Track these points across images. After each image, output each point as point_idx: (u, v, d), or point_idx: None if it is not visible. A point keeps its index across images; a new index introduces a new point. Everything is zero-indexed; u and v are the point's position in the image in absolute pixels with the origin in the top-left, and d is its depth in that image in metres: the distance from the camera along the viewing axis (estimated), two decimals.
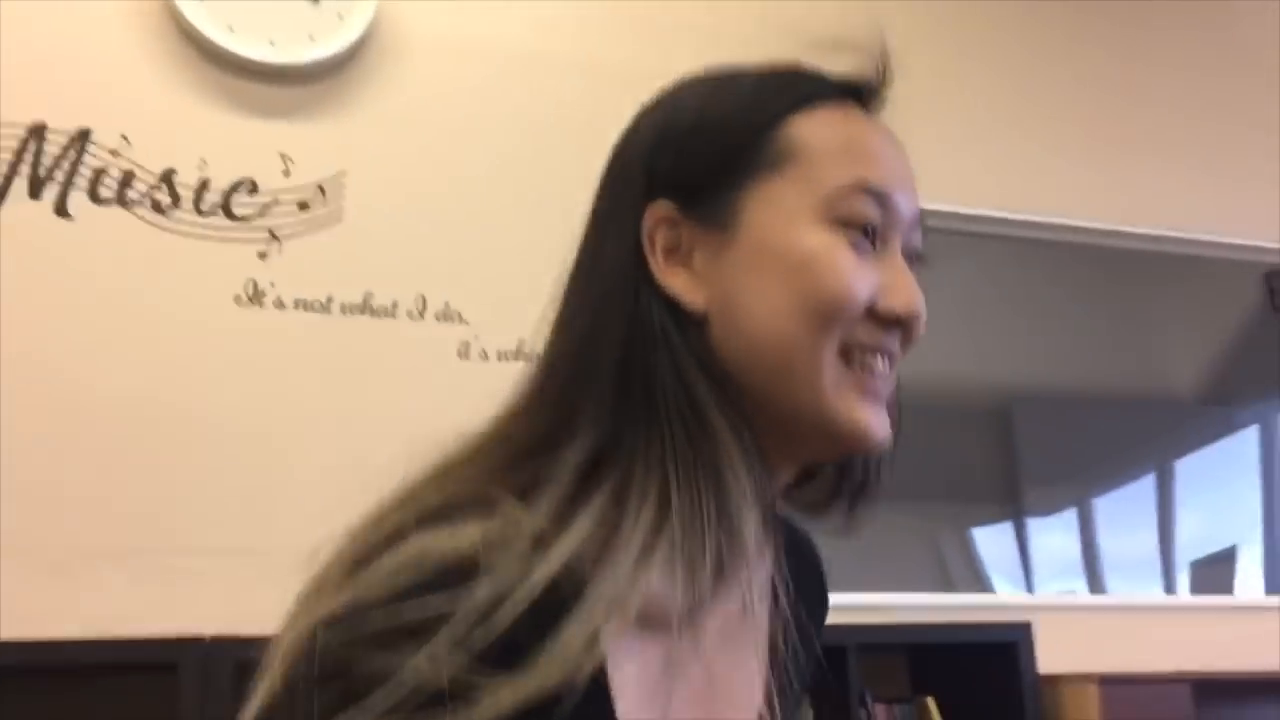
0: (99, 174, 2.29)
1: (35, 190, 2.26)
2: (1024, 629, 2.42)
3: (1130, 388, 3.18)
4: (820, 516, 0.78)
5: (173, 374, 2.25)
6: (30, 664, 1.89)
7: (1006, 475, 3.05)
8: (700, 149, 0.72)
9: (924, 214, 0.75)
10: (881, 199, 0.70)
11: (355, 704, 0.58)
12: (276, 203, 2.39)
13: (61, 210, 2.26)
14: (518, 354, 2.46)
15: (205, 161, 2.35)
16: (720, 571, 0.64)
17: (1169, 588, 3.08)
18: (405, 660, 0.57)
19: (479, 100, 2.59)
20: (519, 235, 2.54)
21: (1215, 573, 3.14)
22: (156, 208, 2.31)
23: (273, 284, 2.35)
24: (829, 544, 0.86)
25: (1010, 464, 3.07)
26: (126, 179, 2.31)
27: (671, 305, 0.70)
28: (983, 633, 2.47)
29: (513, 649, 0.58)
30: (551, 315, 0.75)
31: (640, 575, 0.62)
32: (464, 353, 2.44)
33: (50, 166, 2.27)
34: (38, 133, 2.28)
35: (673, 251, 0.71)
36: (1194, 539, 3.15)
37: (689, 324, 0.69)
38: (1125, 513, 3.14)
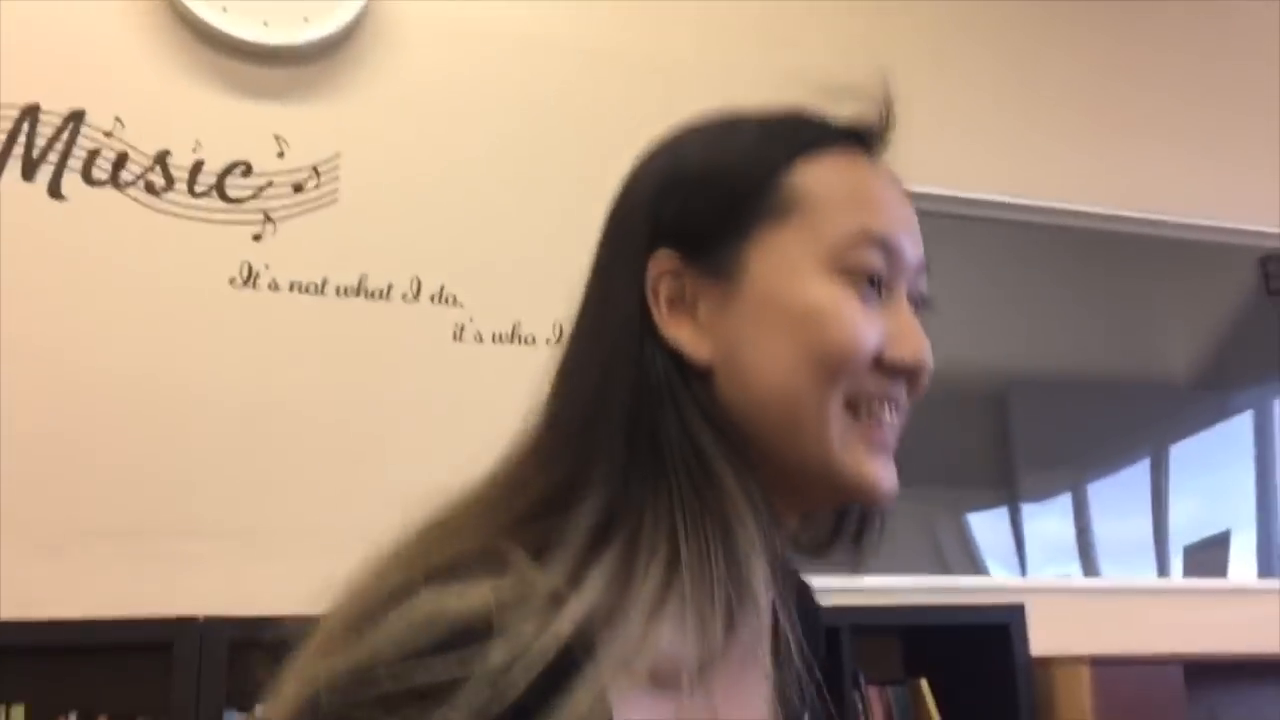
0: (93, 156, 2.29)
1: (29, 172, 2.25)
2: (1017, 611, 2.42)
3: (1126, 372, 3.18)
4: (823, 556, 0.77)
5: (168, 356, 2.25)
6: (26, 644, 1.90)
7: (1002, 460, 3.06)
8: (703, 199, 0.71)
9: (927, 242, 0.74)
10: (887, 247, 0.70)
11: None
12: (271, 185, 2.38)
13: (55, 192, 2.26)
14: (512, 336, 2.47)
15: (199, 143, 2.35)
16: (731, 624, 0.64)
17: (1162, 570, 3.09)
18: None
19: (474, 82, 2.59)
20: (514, 218, 2.54)
21: (1208, 556, 3.15)
22: (150, 189, 2.31)
23: (267, 266, 2.35)
24: None
25: (1006, 448, 3.07)
26: (120, 161, 2.30)
27: (676, 357, 0.69)
28: (976, 615, 2.48)
29: (523, 713, 0.57)
30: (556, 362, 0.73)
31: (651, 633, 0.61)
32: (459, 335, 2.44)
33: (44, 148, 2.27)
34: (31, 114, 2.27)
35: (677, 302, 0.70)
36: (1188, 524, 3.16)
37: (694, 375, 0.69)
38: (1120, 498, 3.15)
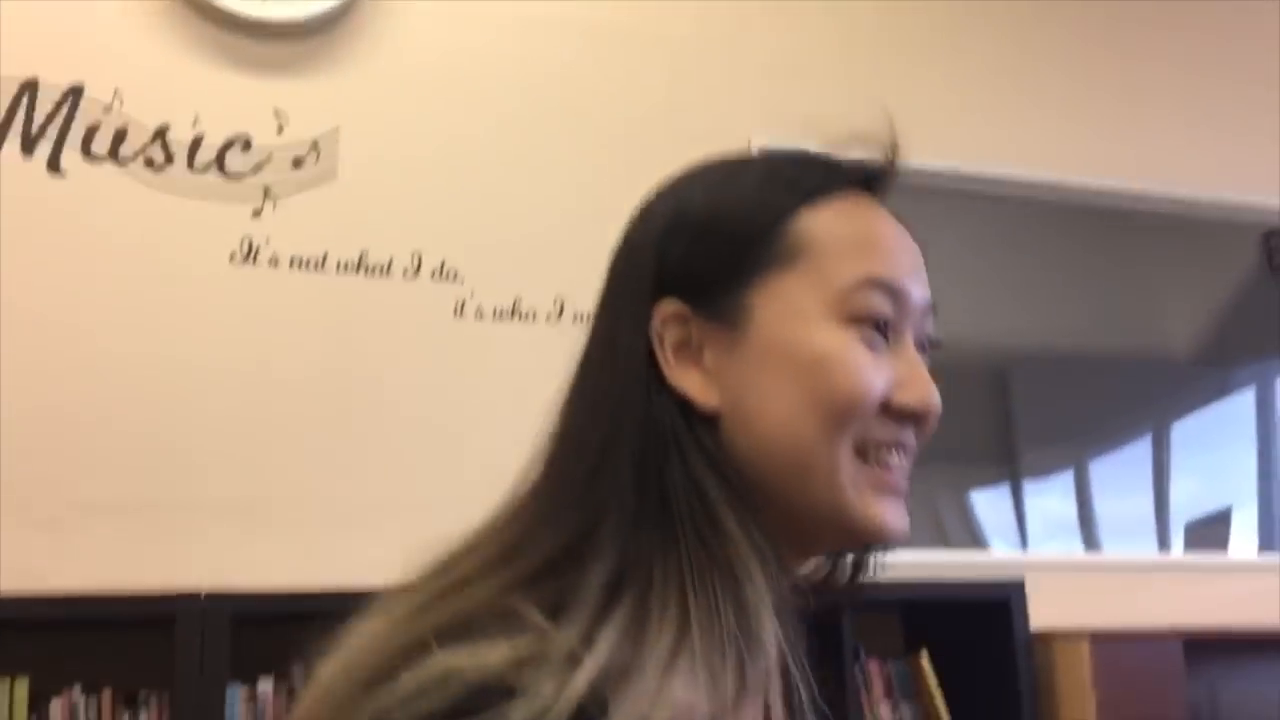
0: (92, 130, 2.28)
1: (28, 146, 2.25)
2: (1017, 587, 2.43)
3: (1127, 349, 3.18)
4: (823, 591, 0.77)
5: (168, 331, 2.25)
6: (29, 618, 1.91)
7: (1003, 437, 3.06)
8: (708, 246, 0.71)
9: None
10: (893, 292, 0.70)
11: None
12: (270, 160, 2.38)
13: (55, 167, 2.25)
14: (513, 312, 2.46)
15: (199, 118, 2.34)
16: (741, 676, 0.64)
17: (1163, 545, 3.10)
18: None
19: (475, 56, 2.57)
20: (515, 193, 2.53)
21: (1209, 532, 3.16)
22: (150, 164, 2.30)
23: (267, 241, 2.34)
24: None
25: (1007, 425, 3.07)
26: (120, 136, 2.29)
27: (682, 403, 0.69)
28: (976, 590, 2.48)
29: None
30: (561, 402, 0.73)
31: (665, 688, 0.61)
32: (459, 311, 2.44)
33: (43, 123, 2.26)
34: (30, 88, 2.27)
35: (683, 348, 0.70)
36: (1189, 500, 3.16)
37: (700, 422, 0.69)
38: (1121, 475, 3.15)
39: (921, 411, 0.70)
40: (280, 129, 2.39)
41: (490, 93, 2.57)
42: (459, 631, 0.60)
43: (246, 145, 2.37)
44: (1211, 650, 2.44)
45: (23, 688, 1.89)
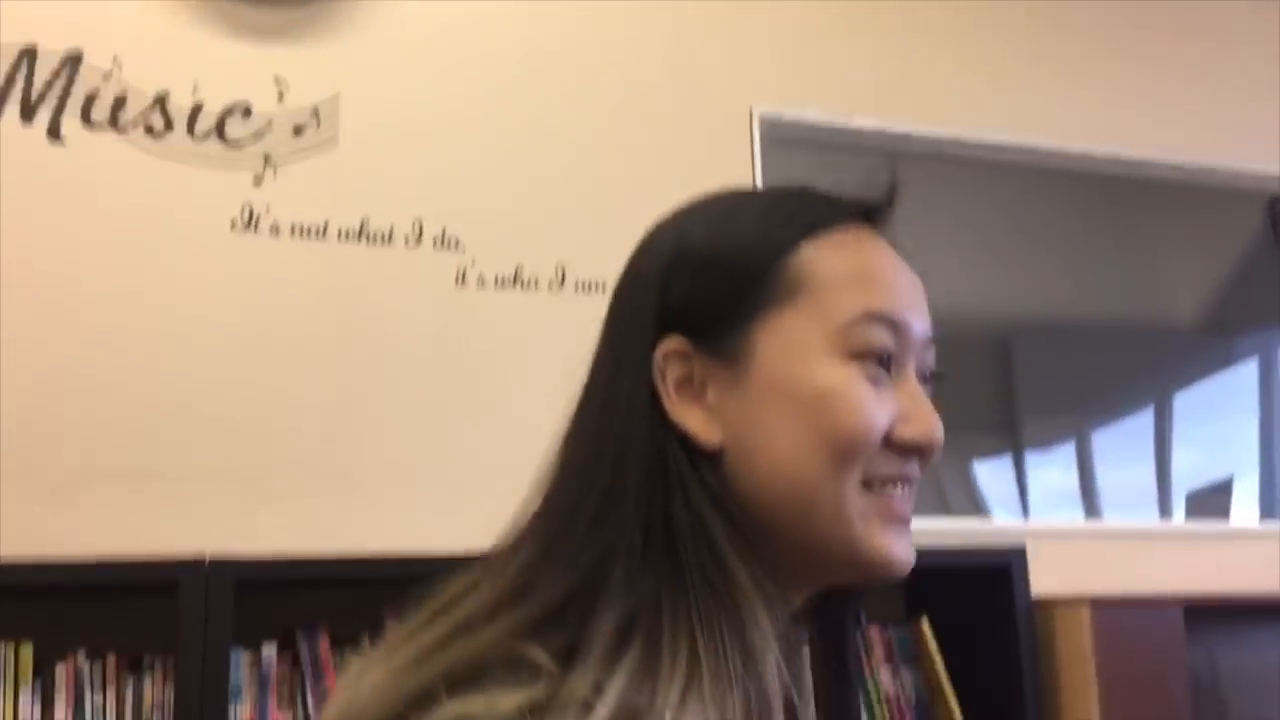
0: (91, 97, 2.27)
1: (27, 114, 2.24)
2: (1018, 553, 2.43)
3: (1130, 318, 3.17)
4: (820, 616, 0.78)
5: (170, 298, 2.25)
6: (31, 584, 1.91)
7: (1005, 406, 3.06)
8: (709, 283, 0.71)
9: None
10: (894, 325, 0.71)
11: None
12: (271, 127, 2.37)
13: (54, 134, 2.25)
14: (515, 280, 2.46)
15: (198, 85, 2.33)
16: (749, 718, 0.65)
17: (1164, 514, 3.10)
18: None
19: (477, 23, 2.56)
20: (517, 161, 2.53)
21: (1211, 500, 3.16)
22: (149, 132, 2.30)
23: (268, 209, 2.34)
24: None
25: (1009, 395, 3.07)
26: (119, 103, 2.29)
27: (685, 440, 0.69)
28: (977, 557, 2.49)
29: None
30: (564, 434, 0.73)
31: None
32: (461, 279, 2.44)
33: (42, 90, 2.25)
34: (29, 55, 2.26)
35: (685, 384, 0.71)
36: (1191, 471, 3.16)
37: (703, 459, 0.69)
38: (1123, 446, 3.14)
39: (925, 445, 0.71)
40: (281, 96, 2.38)
41: (492, 60, 2.56)
42: (469, 678, 0.60)
43: (247, 113, 2.36)
44: (1212, 617, 2.45)
45: (27, 653, 1.90)
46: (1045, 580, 2.45)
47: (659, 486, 0.67)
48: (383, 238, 2.40)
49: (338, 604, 2.09)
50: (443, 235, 2.44)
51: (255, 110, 2.36)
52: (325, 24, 2.44)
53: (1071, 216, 3.14)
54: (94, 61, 2.28)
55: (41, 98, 2.25)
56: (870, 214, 0.75)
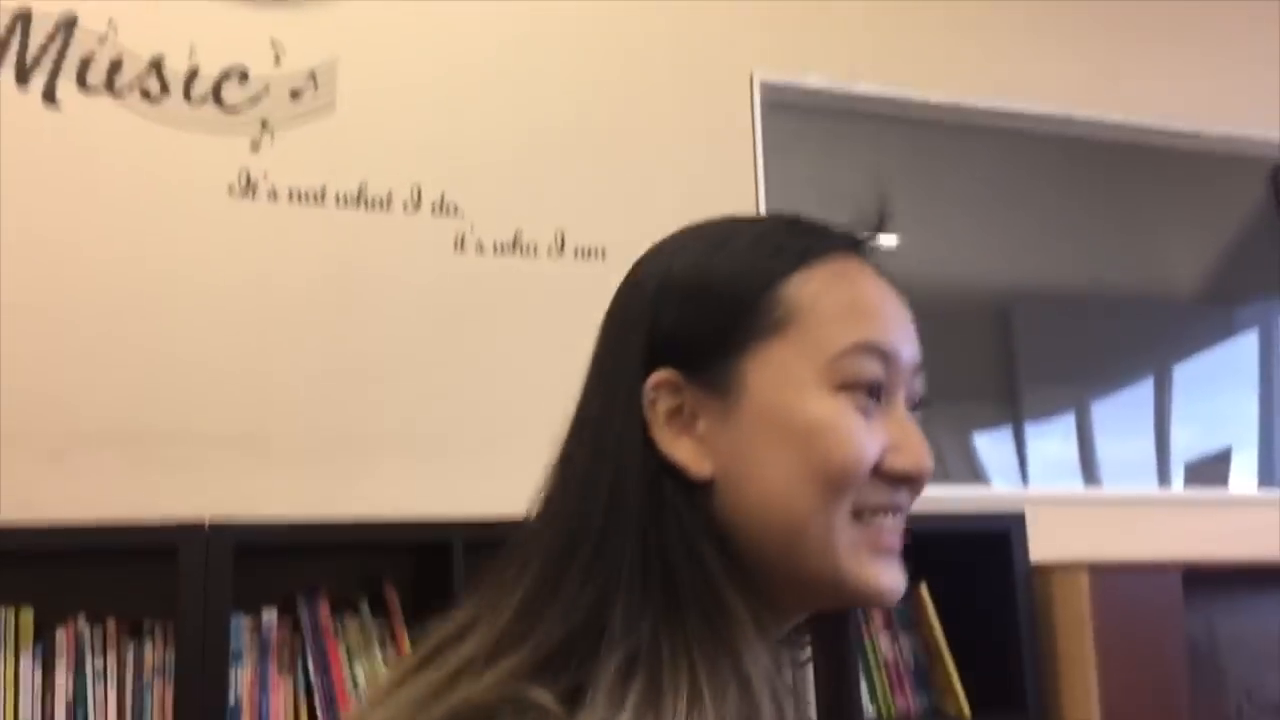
0: (87, 61, 2.26)
1: (23, 78, 2.22)
2: (1017, 519, 2.44)
3: (1131, 287, 3.16)
4: (813, 630, 0.79)
5: (168, 263, 2.24)
6: (30, 548, 1.91)
7: (1005, 376, 3.05)
8: (699, 314, 0.71)
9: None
10: (884, 355, 0.71)
11: None
12: (268, 91, 2.35)
13: (50, 98, 2.23)
14: (514, 245, 2.45)
15: (194, 49, 2.31)
16: None
17: (1162, 480, 3.10)
18: None
19: None
20: (515, 126, 2.51)
21: (1209, 469, 3.16)
22: (146, 96, 2.28)
23: (265, 174, 2.32)
24: None
25: (1009, 365, 3.07)
26: (114, 66, 2.27)
27: (675, 471, 0.69)
28: (976, 523, 2.49)
29: None
30: (557, 461, 0.73)
31: None
32: (459, 244, 2.43)
33: (37, 54, 2.24)
34: (23, 19, 2.24)
35: (675, 415, 0.71)
36: (1191, 441, 3.16)
37: (694, 489, 0.69)
38: (1123, 416, 3.14)
39: (915, 475, 0.71)
40: (277, 60, 2.37)
41: (491, 25, 2.54)
42: None
43: (243, 77, 2.34)
44: (1210, 582, 2.45)
45: (27, 617, 1.90)
46: (1044, 546, 2.45)
47: (652, 519, 0.68)
48: (381, 203, 2.39)
49: (338, 569, 2.10)
50: (441, 200, 2.43)
51: (252, 74, 2.34)
52: None
53: (1072, 184, 3.12)
54: (89, 25, 2.26)
55: (37, 61, 2.23)
56: (859, 244, 0.75)
